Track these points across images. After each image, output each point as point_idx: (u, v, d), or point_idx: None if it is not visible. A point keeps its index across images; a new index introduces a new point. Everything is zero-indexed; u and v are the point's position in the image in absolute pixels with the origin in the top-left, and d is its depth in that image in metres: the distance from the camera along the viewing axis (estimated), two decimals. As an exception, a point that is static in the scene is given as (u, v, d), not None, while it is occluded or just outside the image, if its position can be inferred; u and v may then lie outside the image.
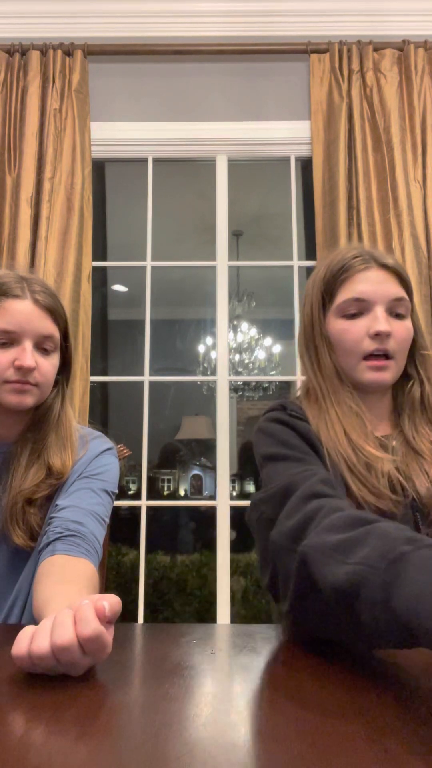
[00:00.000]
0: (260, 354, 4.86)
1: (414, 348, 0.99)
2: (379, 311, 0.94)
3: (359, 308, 0.96)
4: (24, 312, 0.95)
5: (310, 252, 2.43)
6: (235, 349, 4.77)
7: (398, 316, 0.96)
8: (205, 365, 4.89)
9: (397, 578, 0.54)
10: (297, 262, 2.42)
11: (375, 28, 2.35)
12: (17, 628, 0.59)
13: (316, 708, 0.51)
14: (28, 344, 0.95)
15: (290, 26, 2.38)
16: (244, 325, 4.89)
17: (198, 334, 6.00)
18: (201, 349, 5.00)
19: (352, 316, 0.96)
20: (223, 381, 2.34)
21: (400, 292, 0.96)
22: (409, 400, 0.99)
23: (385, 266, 0.97)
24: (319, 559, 0.64)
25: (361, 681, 0.57)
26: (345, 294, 0.97)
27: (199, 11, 2.37)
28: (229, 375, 2.41)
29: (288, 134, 2.38)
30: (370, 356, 0.95)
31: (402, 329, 0.95)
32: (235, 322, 4.84)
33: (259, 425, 0.99)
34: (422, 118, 2.25)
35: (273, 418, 0.98)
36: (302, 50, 2.33)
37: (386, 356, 0.95)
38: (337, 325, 0.97)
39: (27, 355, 0.94)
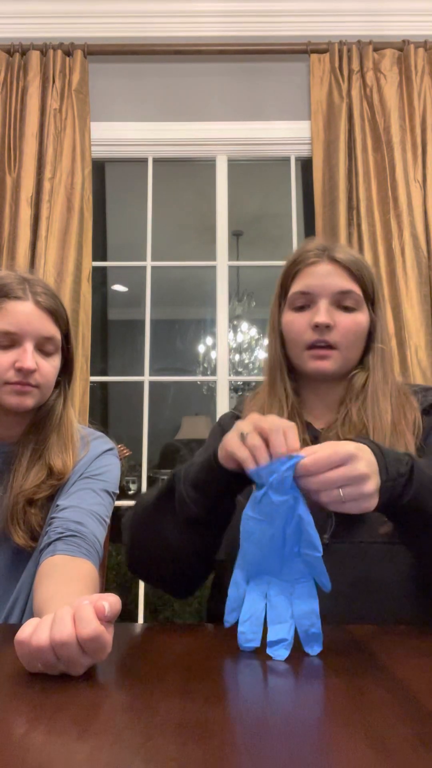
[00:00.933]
0: (260, 354, 4.86)
1: (371, 340, 1.01)
2: (322, 304, 0.97)
3: (305, 301, 0.99)
4: (25, 313, 0.95)
5: (310, 252, 2.43)
6: (235, 349, 4.77)
7: (346, 309, 0.98)
8: (205, 365, 4.89)
9: (190, 467, 0.81)
10: (297, 262, 2.42)
11: (375, 28, 2.35)
12: (18, 628, 0.59)
13: (316, 708, 0.51)
14: (29, 346, 0.95)
15: (290, 26, 2.38)
16: (244, 325, 4.89)
17: (198, 334, 6.00)
18: (201, 349, 5.00)
19: (300, 309, 1.00)
20: (223, 381, 2.34)
21: (348, 285, 0.98)
22: (351, 389, 1.00)
23: (334, 260, 0.99)
24: (140, 501, 0.90)
25: (361, 681, 0.57)
26: (294, 287, 1.01)
27: (199, 11, 2.37)
28: (229, 375, 2.41)
29: (288, 134, 2.38)
30: (313, 346, 0.97)
31: (347, 321, 0.97)
32: (235, 322, 4.84)
33: (218, 420, 1.14)
34: (422, 118, 2.25)
35: (219, 420, 1.14)
36: (302, 50, 2.33)
37: (329, 347, 0.97)
38: (286, 317, 1.02)
39: (28, 356, 0.94)
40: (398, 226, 2.17)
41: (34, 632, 0.57)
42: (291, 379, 1.03)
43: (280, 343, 1.03)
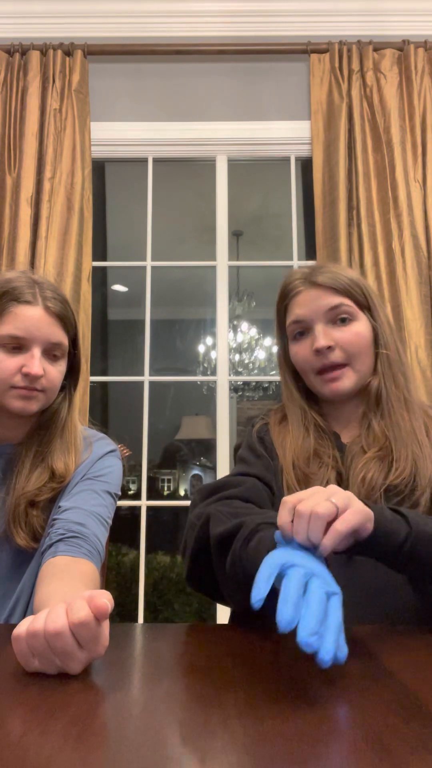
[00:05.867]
0: (260, 354, 4.86)
1: (377, 346, 1.02)
2: (318, 328, 0.99)
3: (302, 329, 1.02)
4: (34, 318, 0.94)
5: (310, 252, 2.43)
6: (235, 349, 4.77)
7: (343, 321, 1.00)
8: (205, 365, 4.89)
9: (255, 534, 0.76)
10: (297, 262, 2.42)
11: (375, 28, 2.35)
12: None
13: (316, 708, 0.51)
14: (36, 351, 0.94)
15: (290, 26, 2.38)
16: (244, 325, 4.88)
17: (198, 334, 6.00)
18: (201, 349, 5.00)
19: (300, 337, 1.03)
20: (223, 381, 2.34)
21: (335, 300, 0.99)
22: (368, 400, 1.02)
23: (316, 284, 1.01)
24: (216, 519, 0.83)
25: (361, 681, 0.57)
26: (288, 320, 1.04)
27: (199, 11, 2.37)
28: (229, 375, 2.41)
29: (288, 134, 2.38)
30: (322, 370, 1.00)
31: (347, 335, 0.99)
32: (235, 322, 4.84)
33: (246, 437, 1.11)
34: (422, 118, 2.25)
35: (252, 428, 1.10)
36: (302, 50, 2.33)
37: (339, 365, 0.99)
38: (291, 349, 1.05)
39: (35, 362, 0.93)
40: (398, 226, 2.17)
41: (29, 625, 0.58)
42: (314, 402, 1.06)
43: (290, 374, 1.07)
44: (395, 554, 0.73)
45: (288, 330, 1.04)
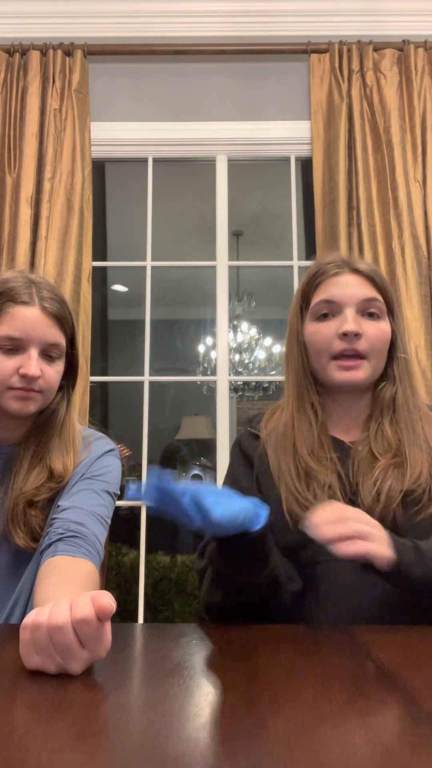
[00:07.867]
0: (260, 354, 4.86)
1: (393, 350, 1.01)
2: (349, 312, 0.96)
3: (330, 310, 0.98)
4: (31, 319, 0.94)
5: (310, 252, 2.43)
6: (235, 349, 4.77)
7: (371, 316, 0.98)
8: (205, 365, 4.89)
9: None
10: (297, 262, 2.42)
11: (375, 28, 2.35)
12: (18, 628, 0.60)
13: (315, 708, 0.51)
14: (33, 352, 0.94)
15: (290, 26, 2.38)
16: (244, 325, 4.88)
17: (198, 334, 6.00)
18: (201, 349, 5.00)
19: (324, 318, 0.98)
20: (223, 381, 2.34)
21: (372, 293, 0.98)
22: (379, 402, 1.00)
23: (357, 271, 0.99)
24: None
25: (361, 681, 0.57)
26: (317, 297, 1.00)
27: (199, 11, 2.37)
28: (229, 375, 2.41)
29: (288, 134, 2.38)
30: (340, 356, 0.96)
31: (374, 329, 0.96)
32: (235, 322, 4.84)
33: (236, 439, 1.11)
34: (422, 118, 2.25)
35: (237, 439, 1.09)
36: (302, 50, 2.33)
37: (358, 356, 0.96)
38: (310, 328, 1.00)
39: (32, 363, 0.93)
40: (398, 226, 2.17)
41: (33, 617, 0.59)
42: (316, 392, 1.01)
43: (304, 352, 1.01)
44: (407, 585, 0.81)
45: (313, 308, 0.99)
